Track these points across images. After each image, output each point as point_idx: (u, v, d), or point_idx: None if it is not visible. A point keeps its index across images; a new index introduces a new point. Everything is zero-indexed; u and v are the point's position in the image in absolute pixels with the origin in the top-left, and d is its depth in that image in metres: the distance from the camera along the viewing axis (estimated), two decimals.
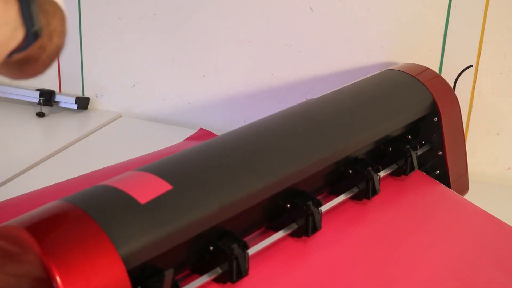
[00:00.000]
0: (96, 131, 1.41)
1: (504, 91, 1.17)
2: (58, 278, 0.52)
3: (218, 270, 0.68)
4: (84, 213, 0.58)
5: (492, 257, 0.86)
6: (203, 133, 1.28)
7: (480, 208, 0.96)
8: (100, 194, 0.63)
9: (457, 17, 1.16)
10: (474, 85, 1.19)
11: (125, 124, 1.46)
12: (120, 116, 1.49)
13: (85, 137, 1.37)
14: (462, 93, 1.18)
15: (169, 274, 0.61)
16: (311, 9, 1.26)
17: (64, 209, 0.59)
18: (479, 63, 1.17)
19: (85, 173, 1.03)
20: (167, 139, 1.26)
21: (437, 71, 1.19)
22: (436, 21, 1.18)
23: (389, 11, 1.21)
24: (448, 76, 1.17)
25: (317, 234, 0.79)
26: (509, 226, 0.93)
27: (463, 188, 1.09)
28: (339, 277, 0.75)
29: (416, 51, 1.20)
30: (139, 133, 1.41)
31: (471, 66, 1.17)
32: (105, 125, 1.44)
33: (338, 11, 1.25)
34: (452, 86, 1.16)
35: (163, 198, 0.64)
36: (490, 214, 0.95)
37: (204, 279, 0.67)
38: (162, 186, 0.65)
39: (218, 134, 0.80)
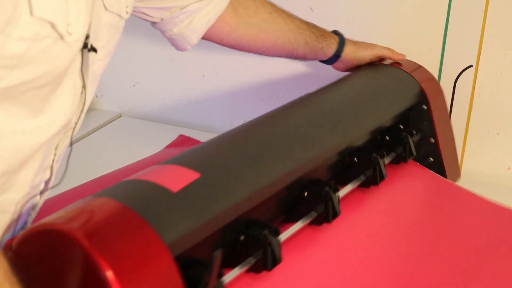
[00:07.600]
0: (96, 131, 1.41)
1: (504, 91, 1.17)
2: (109, 273, 0.51)
3: (251, 260, 0.67)
4: (122, 205, 0.57)
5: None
6: (183, 139, 1.27)
7: (485, 199, 0.97)
8: (130, 187, 0.62)
9: (457, 17, 1.16)
10: (474, 85, 1.19)
11: (125, 124, 1.46)
12: (120, 116, 1.50)
13: (85, 137, 1.37)
14: (462, 93, 1.18)
15: (218, 255, 0.59)
16: (311, 9, 1.26)
17: (101, 203, 0.58)
18: (479, 63, 1.17)
19: (84, 173, 1.03)
20: (167, 139, 1.26)
21: (437, 71, 1.19)
22: (436, 21, 1.18)
23: (389, 11, 1.21)
24: (448, 76, 1.17)
25: (337, 220, 0.79)
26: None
27: (457, 173, 1.11)
28: (364, 261, 0.77)
29: (416, 51, 1.20)
30: (139, 133, 1.41)
31: (471, 66, 1.17)
32: (105, 125, 1.44)
33: (338, 11, 1.25)
34: (452, 86, 1.16)
35: (194, 186, 0.63)
36: (493, 203, 0.96)
37: (238, 270, 0.66)
38: (190, 175, 0.65)
39: (216, 135, 0.79)
